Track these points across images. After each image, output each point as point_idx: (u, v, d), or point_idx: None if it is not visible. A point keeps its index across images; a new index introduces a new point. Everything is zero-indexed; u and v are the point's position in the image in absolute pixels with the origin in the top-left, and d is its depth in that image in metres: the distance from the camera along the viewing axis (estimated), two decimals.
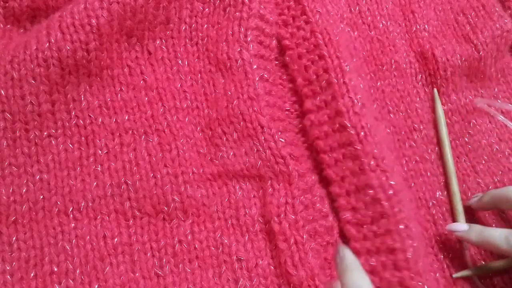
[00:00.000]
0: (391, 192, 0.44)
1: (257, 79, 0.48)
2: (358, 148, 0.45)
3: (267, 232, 0.45)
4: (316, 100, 0.48)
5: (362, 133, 0.46)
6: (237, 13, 0.49)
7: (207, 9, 0.51)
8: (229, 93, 0.48)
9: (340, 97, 0.47)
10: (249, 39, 0.49)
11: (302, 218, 0.44)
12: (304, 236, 0.44)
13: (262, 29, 0.50)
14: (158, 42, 0.49)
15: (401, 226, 0.43)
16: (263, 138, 0.46)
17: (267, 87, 0.48)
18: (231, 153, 0.46)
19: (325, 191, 0.47)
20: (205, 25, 0.50)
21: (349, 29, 0.55)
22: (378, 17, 0.57)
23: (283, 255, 0.43)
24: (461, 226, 0.47)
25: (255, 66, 0.48)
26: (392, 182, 0.44)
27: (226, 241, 0.44)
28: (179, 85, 0.48)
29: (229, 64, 0.48)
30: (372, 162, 0.45)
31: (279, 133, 0.47)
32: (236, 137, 0.47)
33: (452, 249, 0.49)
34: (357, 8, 0.56)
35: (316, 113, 0.48)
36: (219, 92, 0.48)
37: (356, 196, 0.45)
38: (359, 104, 0.47)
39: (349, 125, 0.46)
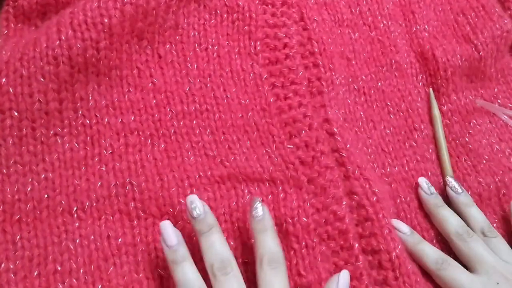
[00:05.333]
0: (374, 198, 0.46)
1: (267, 88, 0.50)
2: (344, 155, 0.47)
3: None
4: (304, 100, 0.50)
5: (348, 145, 0.48)
6: (245, 27, 0.52)
7: (213, 20, 0.52)
8: (243, 102, 0.49)
9: (329, 107, 0.50)
10: (258, 49, 0.51)
11: (314, 221, 0.45)
12: (315, 240, 0.44)
13: (273, 35, 0.51)
14: (168, 46, 0.50)
15: (386, 231, 0.44)
16: (274, 146, 0.48)
17: (279, 93, 0.50)
18: (244, 158, 0.47)
19: (343, 191, 0.47)
20: (214, 34, 0.51)
21: (349, 31, 0.55)
22: (379, 17, 0.57)
23: (295, 257, 0.44)
24: (404, 227, 0.47)
25: (265, 76, 0.50)
26: (375, 190, 0.46)
27: (232, 243, 0.44)
28: (187, 89, 0.48)
29: (242, 76, 0.50)
30: (356, 171, 0.47)
31: (291, 138, 0.48)
32: (249, 145, 0.48)
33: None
34: (358, 9, 0.57)
35: (303, 120, 0.49)
36: (232, 99, 0.49)
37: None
38: (342, 118, 0.50)
39: (336, 131, 0.48)
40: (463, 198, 0.49)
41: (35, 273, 0.41)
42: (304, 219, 0.45)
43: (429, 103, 0.55)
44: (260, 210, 0.42)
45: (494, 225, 0.50)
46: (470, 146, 0.54)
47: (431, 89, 0.55)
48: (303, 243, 0.44)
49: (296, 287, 0.43)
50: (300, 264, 0.43)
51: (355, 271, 0.43)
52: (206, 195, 0.45)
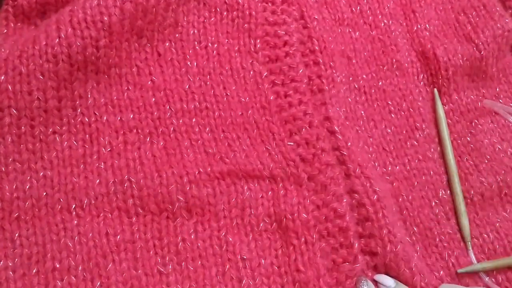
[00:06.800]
0: (375, 197, 0.46)
1: (267, 86, 0.50)
2: (345, 153, 0.47)
3: (272, 232, 0.45)
4: (304, 97, 0.50)
5: (349, 144, 0.48)
6: (245, 25, 0.52)
7: (213, 18, 0.52)
8: (243, 100, 0.49)
9: (329, 105, 0.50)
10: (258, 47, 0.51)
11: (313, 217, 0.45)
12: (314, 236, 0.44)
13: (273, 33, 0.52)
14: (167, 44, 0.50)
15: (385, 231, 0.45)
16: (274, 143, 0.48)
17: (279, 91, 0.50)
18: (244, 155, 0.47)
19: (343, 190, 0.47)
20: (214, 32, 0.51)
21: (350, 30, 0.56)
22: (380, 16, 0.57)
23: (294, 253, 0.44)
24: (388, 281, 0.45)
25: (265, 74, 0.50)
26: (376, 188, 0.46)
27: (230, 239, 0.44)
28: (187, 86, 0.48)
29: (242, 74, 0.50)
30: (357, 170, 0.47)
31: (291, 135, 0.48)
32: (249, 143, 0.48)
33: (457, 248, 0.49)
34: (358, 7, 0.57)
35: (303, 117, 0.49)
36: (232, 97, 0.49)
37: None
38: (343, 117, 0.50)
39: (337, 129, 0.48)
40: None
41: (34, 271, 0.41)
42: (304, 215, 0.45)
43: (434, 104, 0.55)
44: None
45: (497, 225, 0.50)
46: (472, 145, 0.54)
47: (435, 90, 0.55)
48: (303, 239, 0.44)
49: (295, 283, 0.43)
50: (299, 259, 0.43)
51: (353, 269, 0.43)
52: (206, 191, 0.45)
